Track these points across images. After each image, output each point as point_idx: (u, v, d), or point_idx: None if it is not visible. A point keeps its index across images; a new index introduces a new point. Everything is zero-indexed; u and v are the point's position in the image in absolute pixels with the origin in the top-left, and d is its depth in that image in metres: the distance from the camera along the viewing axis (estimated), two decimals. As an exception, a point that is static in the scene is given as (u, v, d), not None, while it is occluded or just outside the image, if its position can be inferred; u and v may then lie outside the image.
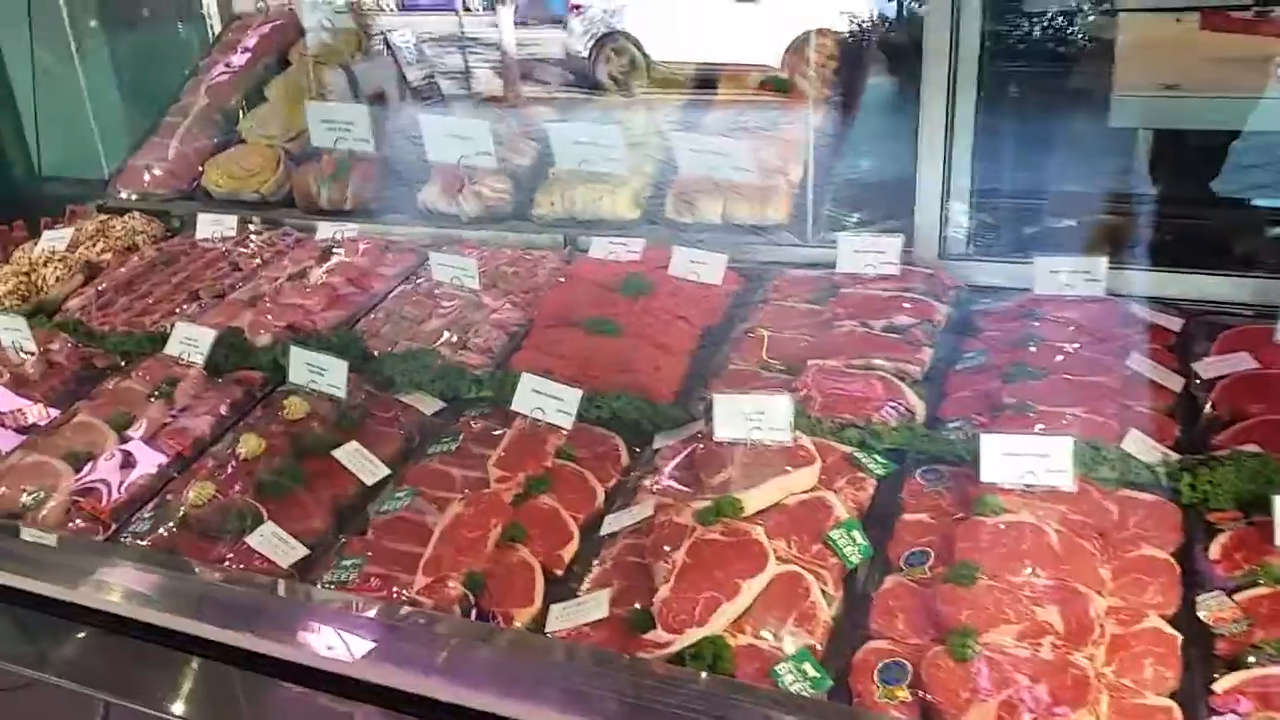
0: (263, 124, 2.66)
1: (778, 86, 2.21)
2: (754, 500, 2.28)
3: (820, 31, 2.29)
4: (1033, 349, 2.73)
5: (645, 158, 2.22)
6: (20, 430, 3.09)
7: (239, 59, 2.90)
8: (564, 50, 4.42)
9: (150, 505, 2.69)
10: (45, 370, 3.32)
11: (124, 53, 5.09)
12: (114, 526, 2.64)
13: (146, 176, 2.63)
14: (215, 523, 2.53)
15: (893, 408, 2.56)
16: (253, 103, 2.81)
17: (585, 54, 4.05)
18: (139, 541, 2.56)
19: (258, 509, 2.55)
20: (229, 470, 2.66)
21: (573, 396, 2.66)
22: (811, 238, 2.01)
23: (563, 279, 3.41)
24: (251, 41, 3.35)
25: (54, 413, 3.15)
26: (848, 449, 2.49)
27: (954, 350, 2.85)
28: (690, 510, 2.26)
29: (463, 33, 4.33)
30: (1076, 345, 2.74)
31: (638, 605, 2.13)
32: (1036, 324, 2.85)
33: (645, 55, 3.50)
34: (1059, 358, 2.70)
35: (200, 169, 2.58)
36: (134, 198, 2.65)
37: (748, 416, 2.41)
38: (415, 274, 3.62)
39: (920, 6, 2.85)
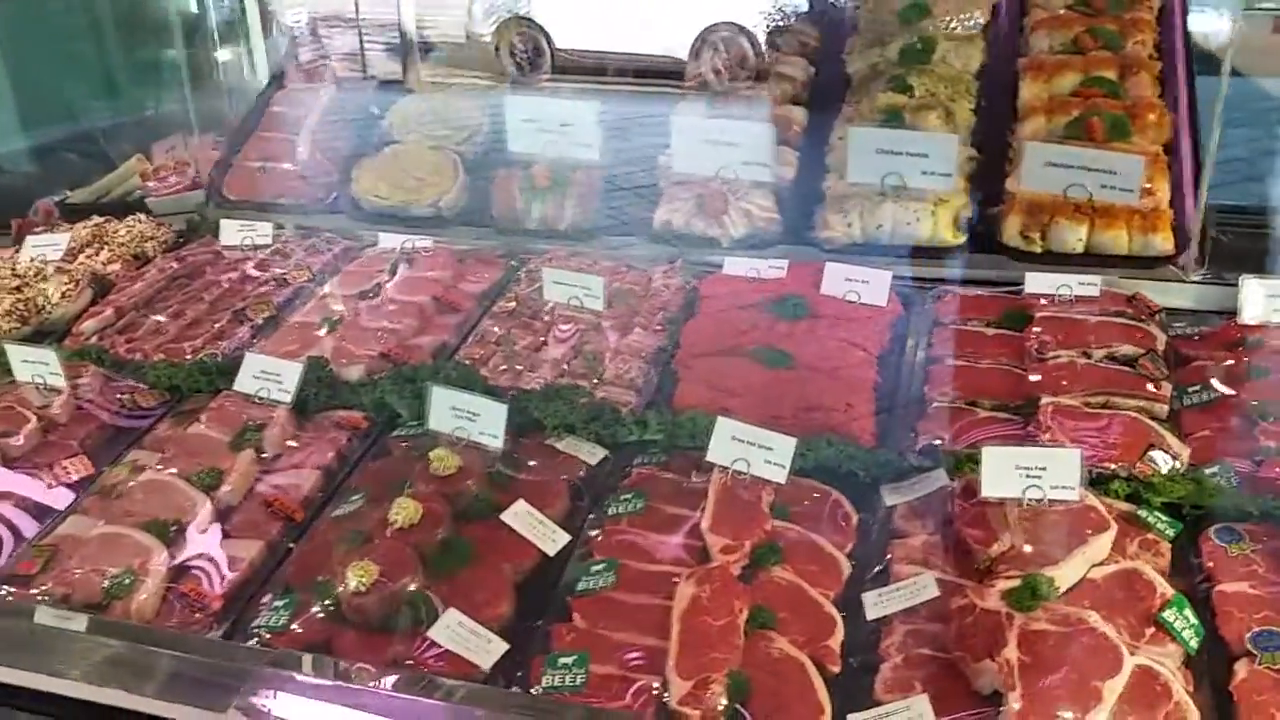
0: (421, 120, 2.16)
1: (1109, 90, 1.87)
2: (1066, 576, 1.95)
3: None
4: (1271, 384, 2.49)
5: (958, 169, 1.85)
6: (69, 488, 2.51)
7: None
8: (464, 33, 4.17)
9: (271, 591, 2.18)
10: (74, 413, 2.73)
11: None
12: (231, 619, 2.13)
13: (262, 180, 2.08)
14: (381, 614, 2.05)
15: (1161, 454, 2.27)
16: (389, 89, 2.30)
17: (487, 37, 3.78)
18: (271, 636, 2.07)
19: (428, 595, 2.09)
20: (381, 544, 2.17)
21: (786, 446, 2.28)
22: (1192, 273, 1.69)
23: (695, 293, 3.00)
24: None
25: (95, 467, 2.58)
26: (1125, 505, 2.18)
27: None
28: (995, 593, 1.91)
29: (357, 12, 4.03)
30: (1313, 378, 2.50)
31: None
32: (1257, 353, 2.60)
33: (550, 41, 3.23)
34: (1301, 393, 2.46)
35: (334, 174, 2.06)
36: (251, 205, 2.09)
37: (1026, 472, 2.08)
38: (506, 289, 3.15)
39: None
